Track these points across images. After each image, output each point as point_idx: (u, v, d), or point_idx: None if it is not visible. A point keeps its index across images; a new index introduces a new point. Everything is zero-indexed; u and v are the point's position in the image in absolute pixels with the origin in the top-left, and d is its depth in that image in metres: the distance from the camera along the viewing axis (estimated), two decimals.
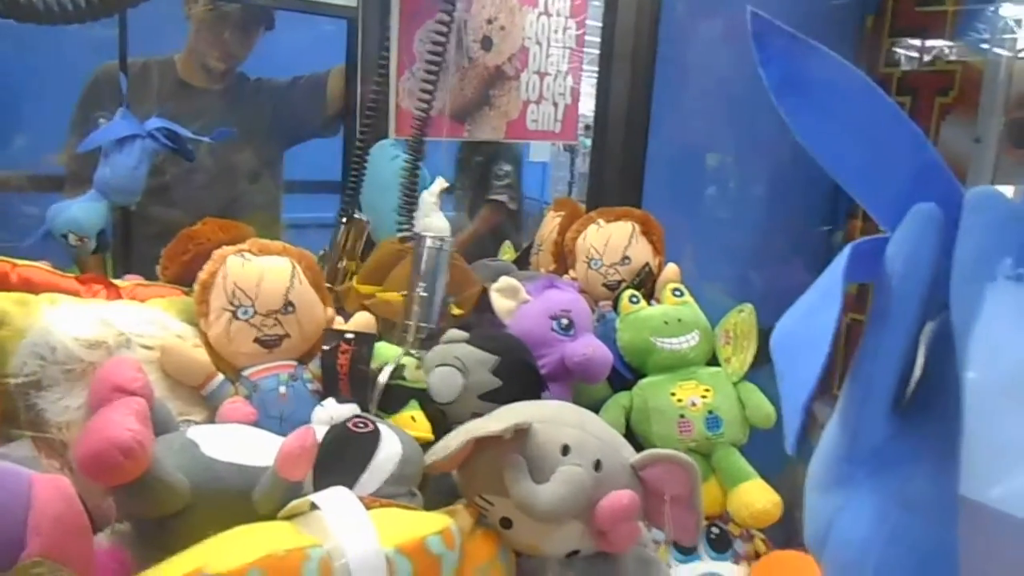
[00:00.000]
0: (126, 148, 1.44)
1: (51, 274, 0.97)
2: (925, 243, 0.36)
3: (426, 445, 0.96)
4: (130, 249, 1.79)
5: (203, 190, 1.92)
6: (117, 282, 1.04)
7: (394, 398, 0.98)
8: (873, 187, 0.39)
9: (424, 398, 1.01)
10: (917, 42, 2.01)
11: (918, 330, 0.37)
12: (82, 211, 1.41)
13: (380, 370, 0.98)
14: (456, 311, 1.17)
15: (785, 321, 0.41)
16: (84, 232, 1.40)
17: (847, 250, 0.38)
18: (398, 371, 1.00)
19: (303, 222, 2.30)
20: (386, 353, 1.02)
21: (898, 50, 2.01)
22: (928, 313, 0.38)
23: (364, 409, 0.90)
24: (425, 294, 1.10)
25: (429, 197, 1.51)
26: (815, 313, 0.38)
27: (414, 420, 0.97)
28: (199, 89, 1.95)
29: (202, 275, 0.97)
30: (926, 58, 2.01)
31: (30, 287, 0.92)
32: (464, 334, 1.04)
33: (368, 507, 0.73)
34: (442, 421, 1.00)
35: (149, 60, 1.93)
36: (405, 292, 1.18)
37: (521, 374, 1.01)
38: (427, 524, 0.74)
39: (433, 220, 1.54)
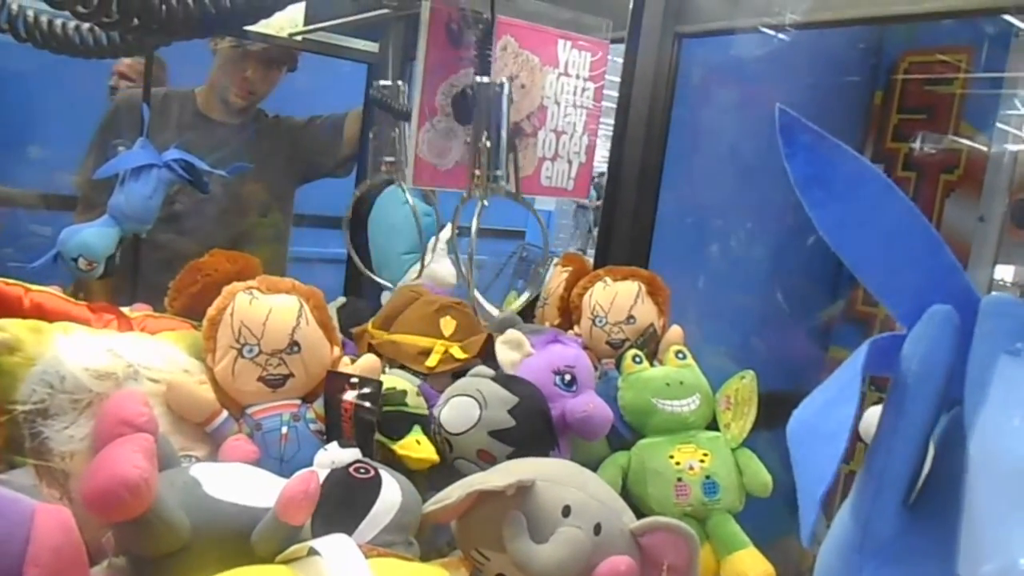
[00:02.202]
0: (143, 177, 1.46)
1: (64, 301, 0.98)
2: (941, 344, 0.37)
3: (428, 472, 0.96)
4: (137, 276, 1.80)
5: (213, 221, 1.94)
6: (127, 312, 1.05)
7: (397, 424, 0.99)
8: (891, 284, 0.41)
9: (425, 424, 1.01)
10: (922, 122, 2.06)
11: (931, 427, 0.38)
12: (94, 236, 1.42)
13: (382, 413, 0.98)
14: (461, 355, 1.18)
15: (802, 411, 0.41)
16: (95, 257, 1.41)
17: (865, 346, 0.39)
18: (400, 397, 1.01)
19: (309, 256, 2.32)
20: (393, 383, 1.03)
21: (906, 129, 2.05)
22: (940, 410, 0.39)
23: (366, 454, 0.90)
24: (489, 143, 1.08)
25: (438, 244, 1.53)
26: (833, 407, 0.39)
27: (419, 444, 0.97)
28: (217, 122, 1.98)
29: (211, 311, 0.98)
30: (930, 142, 2.05)
31: (42, 313, 0.93)
32: (491, 371, 1.05)
33: (366, 555, 0.73)
34: (447, 453, 1.00)
35: (169, 91, 1.97)
36: (413, 333, 1.19)
37: (536, 421, 1.02)
38: (424, 575, 0.74)
39: (439, 267, 1.56)
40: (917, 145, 2.01)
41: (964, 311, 0.38)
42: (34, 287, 0.97)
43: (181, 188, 1.64)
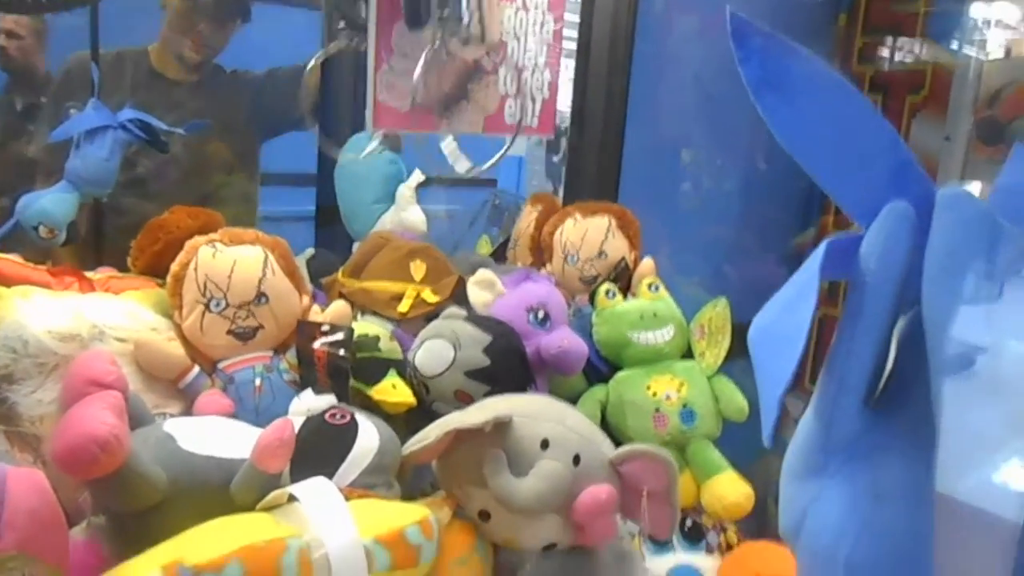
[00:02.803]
0: (97, 139, 1.41)
1: (23, 266, 0.95)
2: (898, 241, 0.37)
3: (407, 416, 0.96)
4: (103, 242, 1.77)
5: (178, 183, 1.90)
6: (90, 274, 1.03)
7: (371, 370, 0.98)
8: (848, 185, 0.40)
9: (400, 368, 1.01)
10: (889, 40, 2.04)
11: (891, 326, 0.38)
12: (53, 203, 1.38)
13: (357, 360, 0.97)
14: (432, 298, 1.17)
15: (762, 317, 0.41)
16: (55, 224, 1.37)
17: (822, 247, 0.39)
18: (373, 343, 1.00)
19: (278, 215, 2.28)
20: (366, 329, 1.02)
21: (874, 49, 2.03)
22: (900, 309, 0.39)
23: (342, 400, 0.89)
24: None
25: (406, 191, 1.51)
26: (791, 309, 0.39)
27: (395, 388, 0.97)
28: (173, 81, 1.92)
29: (174, 267, 0.96)
30: (898, 57, 2.04)
31: (1, 279, 0.91)
32: (463, 312, 1.05)
33: (346, 498, 0.73)
34: (424, 396, 1.00)
35: (122, 51, 1.91)
36: (384, 279, 1.18)
37: (511, 359, 1.02)
38: (406, 515, 0.74)
39: (410, 214, 1.54)
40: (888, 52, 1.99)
41: (921, 207, 0.37)
42: None
43: (141, 150, 1.60)
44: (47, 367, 0.82)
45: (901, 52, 2.04)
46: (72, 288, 0.95)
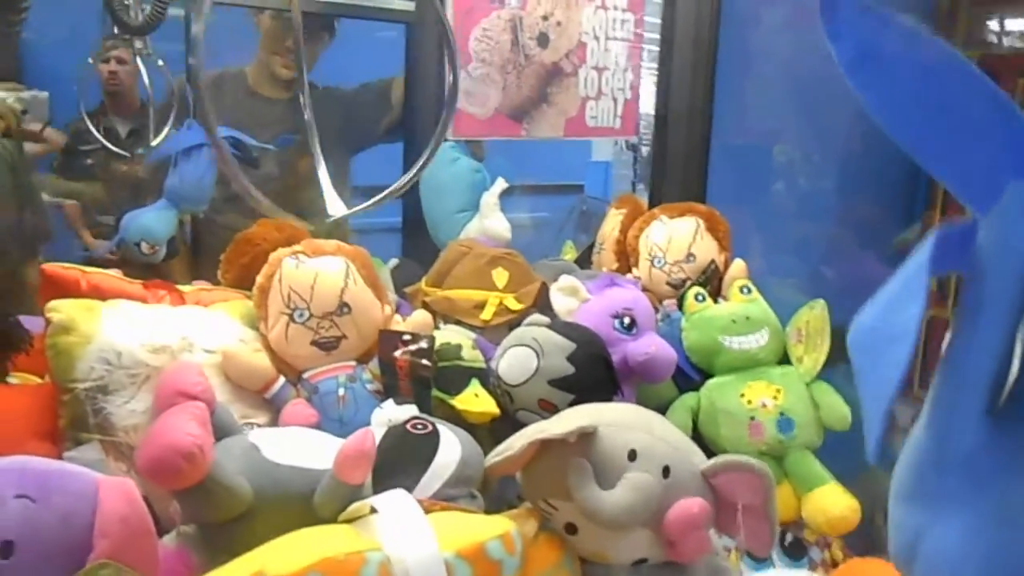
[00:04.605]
0: (193, 157, 1.48)
1: (120, 280, 0.99)
2: (1023, 224, 0.32)
3: (491, 425, 0.95)
4: (201, 256, 1.83)
5: (274, 198, 1.95)
6: (182, 288, 1.06)
7: (454, 379, 0.98)
8: (960, 167, 0.35)
9: (483, 377, 1.00)
10: (997, 22, 1.91)
11: (1016, 323, 0.34)
12: (153, 220, 1.45)
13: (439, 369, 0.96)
14: (516, 305, 1.16)
15: (864, 317, 0.37)
16: (156, 240, 1.44)
17: (932, 237, 0.35)
18: (455, 351, 0.99)
19: (366, 227, 2.32)
20: (448, 338, 1.02)
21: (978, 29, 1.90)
22: None
23: (424, 410, 0.89)
24: None
25: (490, 199, 1.50)
26: (897, 307, 0.34)
27: (477, 397, 0.96)
28: (269, 99, 1.98)
29: (259, 279, 0.98)
30: (1007, 39, 1.90)
31: (99, 294, 0.95)
32: (546, 319, 1.03)
33: (427, 510, 0.72)
34: (508, 405, 0.99)
35: (224, 72, 1.98)
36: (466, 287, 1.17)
37: (596, 366, 1.00)
38: (487, 528, 0.72)
39: (493, 222, 1.53)
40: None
41: None
42: (90, 269, 0.98)
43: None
44: (139, 378, 0.84)
45: (1011, 34, 1.90)
46: (164, 301, 0.98)
